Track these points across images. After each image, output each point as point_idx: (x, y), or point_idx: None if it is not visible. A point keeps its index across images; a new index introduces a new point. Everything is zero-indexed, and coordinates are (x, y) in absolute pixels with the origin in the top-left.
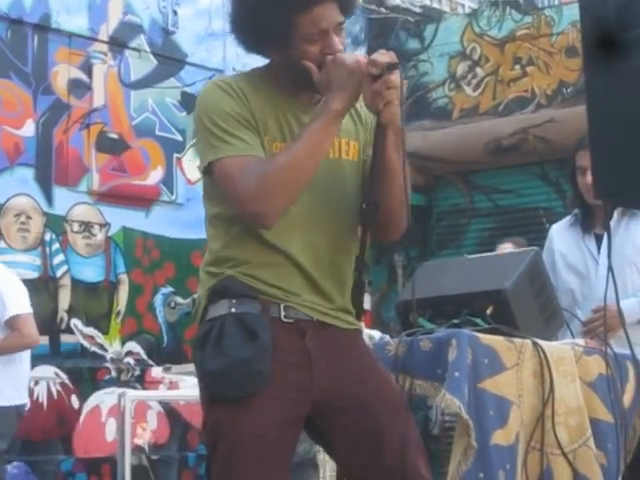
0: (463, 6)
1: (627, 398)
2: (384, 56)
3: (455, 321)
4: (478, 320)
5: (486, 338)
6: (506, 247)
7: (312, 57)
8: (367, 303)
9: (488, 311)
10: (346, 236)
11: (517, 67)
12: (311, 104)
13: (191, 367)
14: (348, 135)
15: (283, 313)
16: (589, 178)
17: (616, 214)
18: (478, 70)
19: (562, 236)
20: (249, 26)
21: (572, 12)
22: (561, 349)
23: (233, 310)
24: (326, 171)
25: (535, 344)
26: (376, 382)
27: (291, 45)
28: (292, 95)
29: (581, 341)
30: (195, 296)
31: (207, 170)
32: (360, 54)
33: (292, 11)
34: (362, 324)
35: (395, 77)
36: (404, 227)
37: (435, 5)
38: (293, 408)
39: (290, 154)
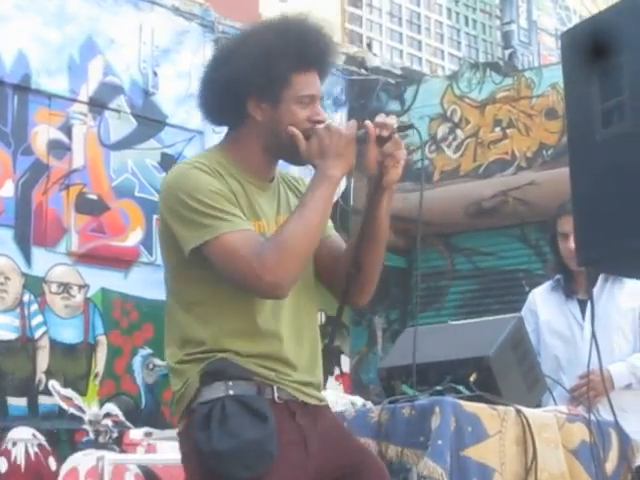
0: (443, 68)
1: (610, 465)
2: (390, 119)
3: (438, 388)
4: (461, 387)
5: (469, 405)
6: None
7: (299, 121)
8: (346, 366)
9: (471, 378)
10: (313, 311)
11: (497, 129)
12: (267, 181)
13: (171, 432)
14: (290, 211)
15: (277, 395)
16: (570, 244)
17: (600, 279)
18: (458, 132)
19: (545, 301)
20: (239, 79)
21: (552, 74)
22: (544, 416)
23: (231, 392)
24: None
25: (518, 411)
26: (359, 451)
27: (280, 103)
28: (253, 171)
29: (564, 408)
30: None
31: (193, 252)
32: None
33: (291, 69)
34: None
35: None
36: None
37: (415, 67)
38: None
39: (302, 222)
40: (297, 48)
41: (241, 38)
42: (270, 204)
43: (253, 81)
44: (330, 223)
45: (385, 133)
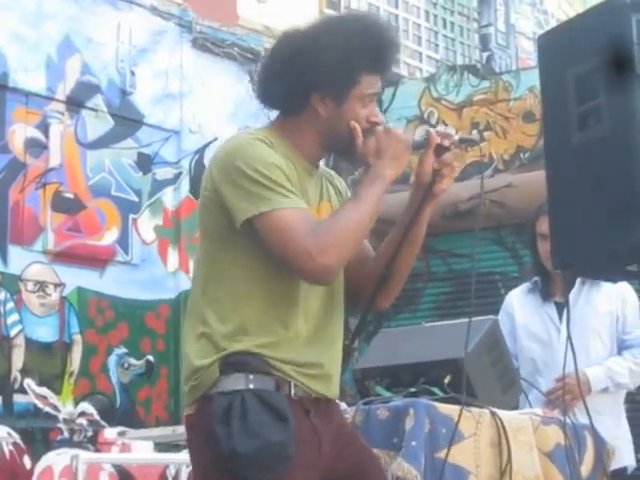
0: (421, 70)
1: (585, 469)
2: (451, 130)
3: (412, 390)
4: (435, 389)
5: (444, 407)
6: None
7: (359, 119)
8: None
9: (446, 380)
10: (341, 309)
11: (474, 132)
12: (315, 167)
13: (145, 432)
14: (330, 201)
15: (293, 391)
16: (549, 244)
17: (577, 282)
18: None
19: (521, 304)
20: (311, 74)
21: (530, 77)
22: (519, 418)
23: (251, 386)
24: None
25: (493, 413)
26: (364, 451)
27: (345, 101)
28: (305, 157)
29: (539, 410)
30: (150, 357)
31: (245, 224)
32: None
33: (362, 70)
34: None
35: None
36: None
37: (393, 69)
38: None
39: (357, 214)
40: (373, 51)
41: (319, 31)
42: (314, 191)
43: (324, 78)
44: None
45: (446, 143)
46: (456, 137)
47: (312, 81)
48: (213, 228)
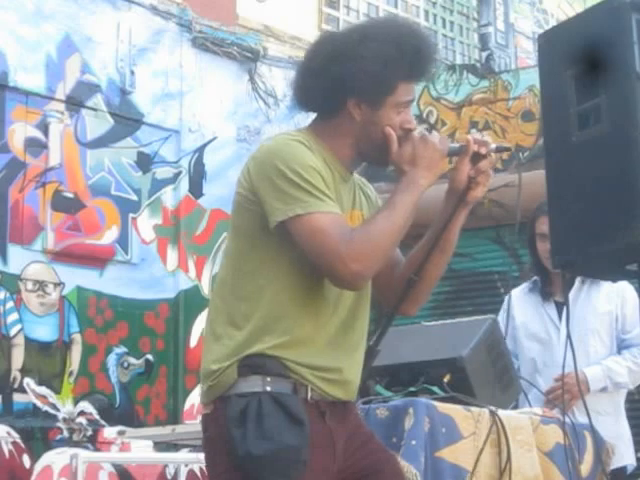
0: None
1: (585, 468)
2: (488, 138)
3: (412, 389)
4: (435, 388)
5: (443, 407)
6: None
7: (393, 126)
8: None
9: (445, 379)
10: (367, 312)
11: (473, 131)
12: (348, 174)
13: (144, 431)
14: (362, 209)
15: (309, 395)
16: (548, 244)
17: (577, 281)
18: (434, 134)
19: (521, 304)
20: (348, 80)
21: (529, 77)
22: (518, 418)
23: (268, 389)
24: None
25: (492, 413)
26: (380, 452)
27: (381, 107)
28: (340, 162)
29: (539, 410)
30: (149, 357)
31: (279, 226)
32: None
33: (400, 78)
34: None
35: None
36: None
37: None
38: None
39: (391, 221)
40: (411, 60)
41: (358, 36)
42: (348, 196)
43: (361, 85)
44: None
45: (483, 151)
46: (493, 145)
47: (349, 86)
48: (246, 227)
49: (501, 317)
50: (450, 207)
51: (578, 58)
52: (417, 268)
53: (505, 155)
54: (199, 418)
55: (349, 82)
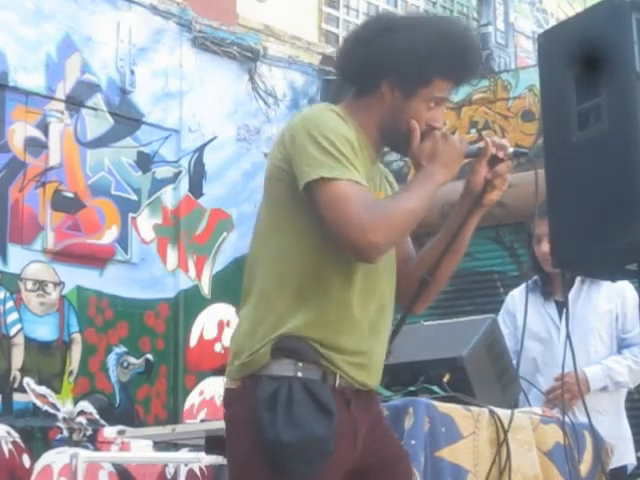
0: None
1: (584, 467)
2: (506, 142)
3: (412, 389)
4: (435, 388)
5: (443, 406)
6: None
7: (420, 119)
8: None
9: (445, 379)
10: (392, 299)
11: (473, 131)
12: (375, 156)
13: (144, 431)
14: (385, 193)
15: (337, 382)
16: (544, 246)
17: (577, 281)
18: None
19: (522, 303)
20: (388, 62)
21: (529, 76)
22: (518, 417)
23: (299, 374)
24: None
25: (492, 412)
26: (395, 446)
27: (412, 97)
28: (370, 142)
29: (538, 409)
30: (149, 356)
31: (306, 189)
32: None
33: (437, 74)
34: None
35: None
36: None
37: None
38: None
39: (411, 202)
40: (451, 59)
41: (412, 23)
42: (374, 178)
43: (399, 70)
44: None
45: (501, 154)
46: (510, 149)
47: (387, 66)
48: (281, 198)
49: (501, 317)
50: (465, 209)
51: (578, 58)
52: (430, 270)
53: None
54: (200, 417)
55: (389, 62)
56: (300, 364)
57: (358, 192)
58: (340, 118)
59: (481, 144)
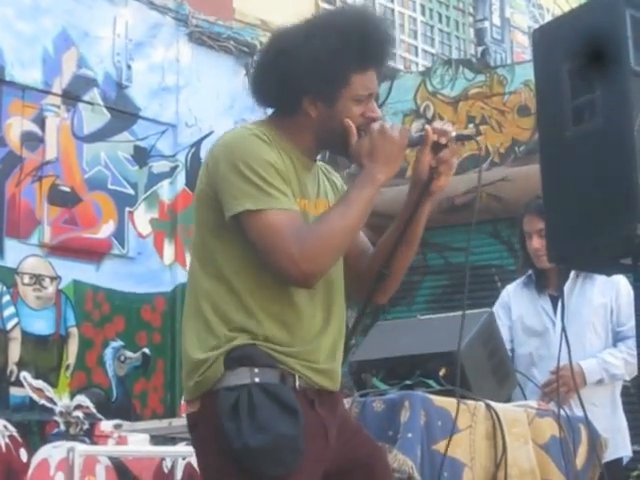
0: (417, 64)
1: (580, 460)
2: (449, 126)
3: (408, 382)
4: (431, 381)
5: (439, 400)
6: None
7: (353, 117)
8: None
9: (441, 373)
10: (343, 301)
11: (470, 125)
12: (311, 162)
13: (141, 425)
14: (327, 198)
15: (297, 383)
16: (535, 242)
17: (571, 275)
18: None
19: (517, 298)
20: (298, 78)
21: (525, 71)
22: (514, 411)
23: (257, 380)
24: None
25: (488, 406)
26: (368, 442)
27: (337, 102)
28: (301, 151)
29: (534, 403)
30: (146, 350)
31: (232, 220)
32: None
33: (351, 70)
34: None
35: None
36: None
37: (389, 63)
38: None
39: (344, 219)
40: (359, 49)
41: (305, 32)
42: (312, 185)
43: (312, 83)
44: None
45: (443, 140)
46: (453, 134)
47: (299, 85)
48: (207, 221)
49: (496, 310)
50: (414, 198)
51: (573, 53)
52: (385, 262)
53: (502, 149)
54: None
55: (299, 80)
56: (256, 370)
57: (287, 221)
58: (262, 142)
59: (422, 132)
